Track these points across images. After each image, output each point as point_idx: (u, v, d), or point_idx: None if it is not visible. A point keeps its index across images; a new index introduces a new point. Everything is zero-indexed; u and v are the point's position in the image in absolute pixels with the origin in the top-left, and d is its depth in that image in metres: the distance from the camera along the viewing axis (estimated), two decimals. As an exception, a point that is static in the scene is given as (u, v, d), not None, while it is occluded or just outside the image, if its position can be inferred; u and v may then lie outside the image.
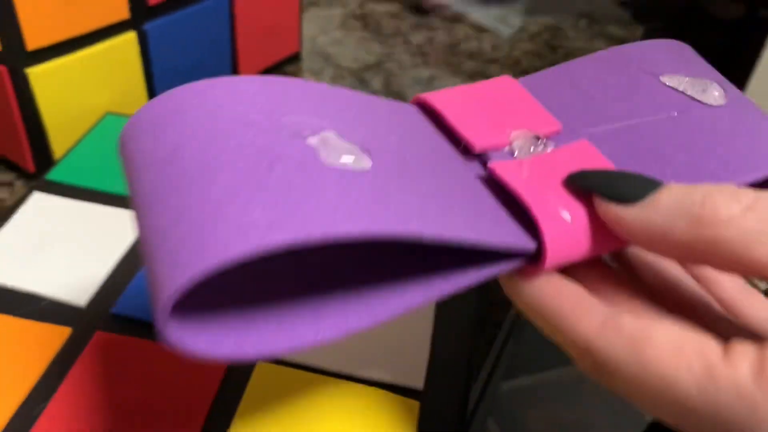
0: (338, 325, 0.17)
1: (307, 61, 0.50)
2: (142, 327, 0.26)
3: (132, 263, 0.29)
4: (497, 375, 0.35)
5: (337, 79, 0.48)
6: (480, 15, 0.57)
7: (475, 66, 0.51)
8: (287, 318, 0.17)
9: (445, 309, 0.28)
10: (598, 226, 0.18)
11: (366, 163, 0.17)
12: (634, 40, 0.27)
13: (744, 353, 0.15)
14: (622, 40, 0.57)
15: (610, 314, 0.17)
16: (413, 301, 0.17)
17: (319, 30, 0.54)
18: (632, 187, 0.18)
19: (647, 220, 0.17)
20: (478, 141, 0.20)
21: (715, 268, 0.17)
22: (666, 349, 0.16)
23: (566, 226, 0.18)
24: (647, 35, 0.56)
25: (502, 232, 0.18)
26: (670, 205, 0.17)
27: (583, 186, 0.18)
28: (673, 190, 0.17)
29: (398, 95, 0.47)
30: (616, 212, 0.17)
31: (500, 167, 0.19)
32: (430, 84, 0.49)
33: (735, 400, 0.15)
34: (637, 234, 0.17)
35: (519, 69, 0.51)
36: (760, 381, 0.15)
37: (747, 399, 0.15)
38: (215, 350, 0.15)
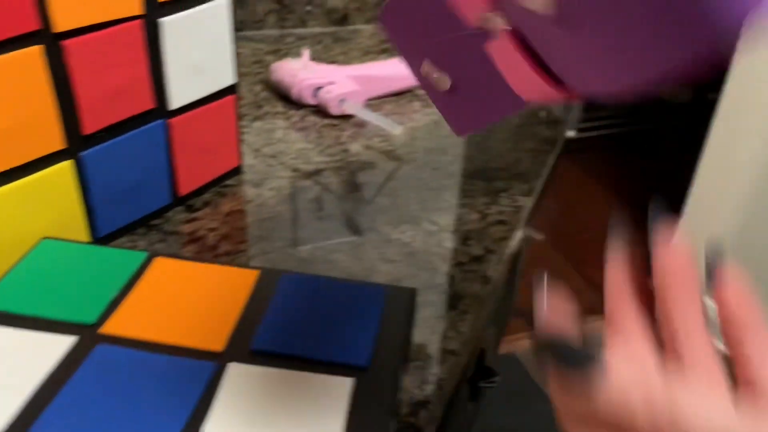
0: None
1: (249, 174, 0.53)
2: (54, 453, 0.27)
3: (55, 386, 0.30)
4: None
5: (281, 189, 0.51)
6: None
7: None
8: None
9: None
10: None
11: None
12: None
13: None
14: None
15: None
16: None
17: (263, 142, 0.57)
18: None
19: None
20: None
21: None
22: None
23: None
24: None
25: None
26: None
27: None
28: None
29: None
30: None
31: None
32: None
33: None
34: None
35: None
36: None
37: None
38: None
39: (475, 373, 0.54)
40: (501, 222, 0.49)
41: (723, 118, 1.27)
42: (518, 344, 1.53)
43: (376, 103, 0.65)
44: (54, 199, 0.40)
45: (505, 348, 1.47)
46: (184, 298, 0.35)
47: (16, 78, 0.35)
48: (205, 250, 0.45)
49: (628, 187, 2.02)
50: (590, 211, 1.94)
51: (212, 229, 0.47)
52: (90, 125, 0.40)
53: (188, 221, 0.47)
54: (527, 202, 0.52)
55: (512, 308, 0.77)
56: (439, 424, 0.36)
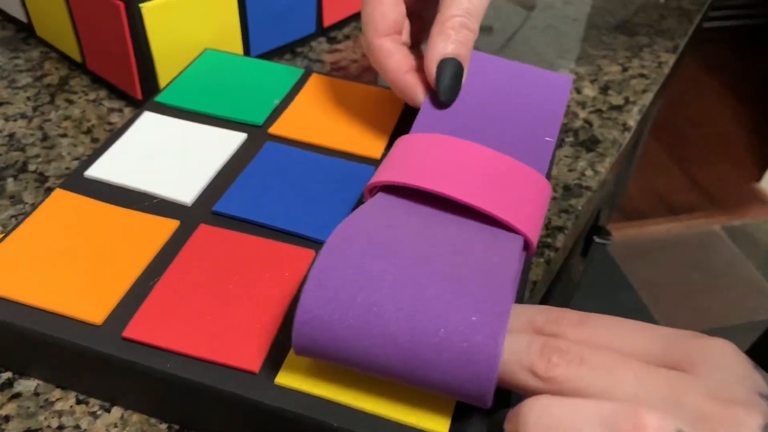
0: None
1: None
2: (239, 224, 0.30)
3: (231, 172, 0.33)
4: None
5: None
6: None
7: (547, 21, 0.53)
8: None
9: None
10: None
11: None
12: None
13: None
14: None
15: None
16: None
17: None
18: None
19: None
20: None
21: None
22: None
23: None
24: None
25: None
26: None
27: None
28: None
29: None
30: None
31: None
32: (502, 36, 0.50)
33: None
34: None
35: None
36: None
37: None
38: None
39: (591, 228, 0.55)
40: (642, 75, 0.48)
41: None
42: (619, 232, 1.52)
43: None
44: (217, 12, 0.42)
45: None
46: (342, 111, 0.37)
47: None
48: (348, 79, 0.46)
49: (747, 85, 1.89)
50: (701, 107, 1.84)
51: (354, 61, 0.48)
52: (252, -59, 0.41)
53: (331, 52, 0.49)
54: (670, 60, 0.50)
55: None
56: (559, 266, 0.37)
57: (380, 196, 0.28)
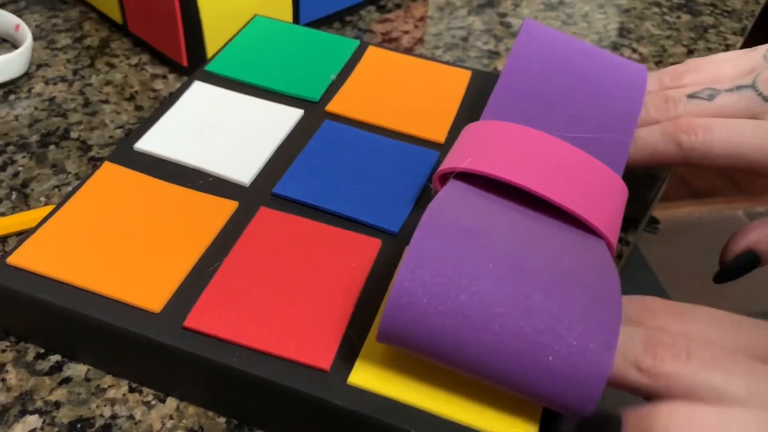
0: None
1: (436, -18, 0.50)
2: (299, 207, 0.28)
3: (289, 151, 0.31)
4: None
5: (467, 0, 0.48)
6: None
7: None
8: None
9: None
10: None
11: None
12: None
13: None
14: None
15: None
16: None
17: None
18: None
19: None
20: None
21: None
22: None
23: None
24: None
25: None
26: None
27: None
28: None
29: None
30: None
31: None
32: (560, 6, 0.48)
33: None
34: None
35: None
36: None
37: None
38: None
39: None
40: (709, 59, 0.45)
41: None
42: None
43: None
44: (268, -23, 0.39)
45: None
46: (401, 89, 0.35)
47: None
48: (401, 51, 0.44)
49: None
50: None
51: (405, 32, 0.45)
52: None
53: (381, 21, 0.46)
54: (738, 43, 0.47)
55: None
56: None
57: (455, 184, 0.26)
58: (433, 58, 0.37)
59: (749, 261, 0.27)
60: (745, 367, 0.19)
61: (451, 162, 0.26)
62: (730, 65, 0.29)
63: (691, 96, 0.28)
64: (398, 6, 0.48)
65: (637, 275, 1.49)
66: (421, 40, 0.45)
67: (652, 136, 0.28)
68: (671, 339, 0.20)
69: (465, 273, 0.20)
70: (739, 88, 0.27)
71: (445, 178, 0.27)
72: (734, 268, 0.27)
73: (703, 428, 0.17)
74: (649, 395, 0.20)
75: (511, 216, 0.24)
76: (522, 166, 0.25)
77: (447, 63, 0.37)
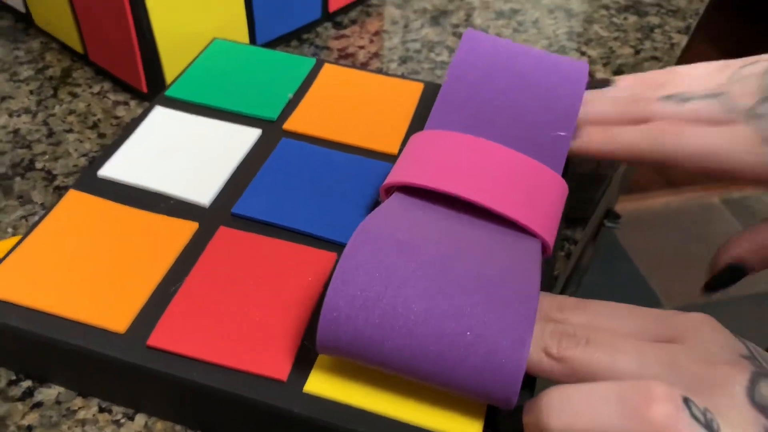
0: None
1: (391, -4, 0.52)
2: (259, 225, 0.29)
3: (248, 170, 0.32)
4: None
5: (425, 12, 0.50)
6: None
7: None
8: None
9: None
10: None
11: None
12: None
13: None
14: None
15: None
16: None
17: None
18: None
19: None
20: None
21: None
22: None
23: None
24: None
25: None
26: None
27: None
28: None
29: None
30: None
31: None
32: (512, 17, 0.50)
33: None
34: None
35: (601, 6, 0.52)
36: None
37: None
38: None
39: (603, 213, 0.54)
40: (655, 58, 0.47)
41: None
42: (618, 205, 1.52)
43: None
44: (222, 3, 0.41)
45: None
46: (356, 104, 0.36)
47: None
48: (357, 67, 0.45)
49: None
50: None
51: (361, 47, 0.47)
52: (258, -74, 0.40)
53: (337, 38, 0.48)
54: (682, 41, 0.49)
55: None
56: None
57: (398, 196, 0.27)
58: (387, 73, 0.38)
59: (736, 273, 0.29)
60: (634, 347, 0.22)
61: (391, 176, 0.28)
62: (705, 74, 0.30)
63: (664, 98, 0.29)
64: (353, 22, 0.49)
65: (618, 266, 1.52)
66: (376, 55, 0.46)
67: (631, 136, 0.29)
68: (574, 329, 0.23)
69: (390, 284, 0.22)
70: (712, 95, 0.28)
71: (389, 190, 0.28)
72: (721, 280, 0.29)
73: (572, 402, 0.20)
74: (560, 380, 0.22)
75: (447, 224, 0.26)
76: (457, 174, 0.27)
77: (400, 76, 0.38)
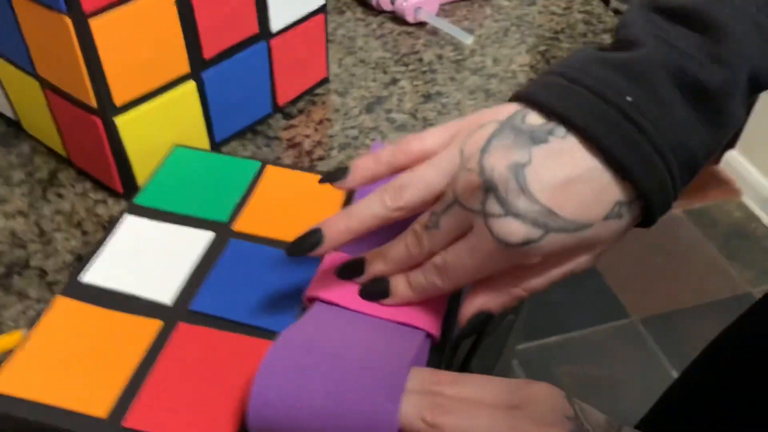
0: None
1: (334, 83, 0.59)
2: (214, 319, 0.37)
3: (204, 270, 0.39)
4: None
5: (363, 99, 0.58)
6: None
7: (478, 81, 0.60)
8: None
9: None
10: None
11: None
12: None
13: None
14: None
15: None
16: None
17: (345, 51, 0.63)
18: None
19: None
20: None
21: None
22: None
23: None
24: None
25: None
26: None
27: None
28: None
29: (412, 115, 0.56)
30: None
31: None
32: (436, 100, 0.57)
33: None
34: None
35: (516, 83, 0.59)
36: None
37: None
38: None
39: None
40: (559, 134, 0.55)
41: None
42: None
43: (449, 8, 0.69)
44: (182, 113, 0.48)
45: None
46: (295, 203, 0.44)
47: (153, 18, 0.43)
48: (303, 155, 0.53)
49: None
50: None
51: (307, 136, 0.54)
52: (209, 50, 0.47)
53: (286, 128, 0.55)
54: (585, 115, 0.57)
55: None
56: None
57: (317, 305, 0.36)
58: (329, 158, 0.46)
59: (484, 320, 0.35)
60: (488, 414, 0.30)
61: (308, 289, 0.36)
62: (434, 171, 0.34)
63: (426, 227, 0.34)
64: (301, 111, 0.57)
65: (586, 279, 1.59)
66: (320, 142, 0.54)
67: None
68: (442, 401, 0.30)
69: (298, 378, 0.30)
70: (449, 207, 0.33)
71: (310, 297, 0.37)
72: (472, 329, 0.35)
73: None
74: None
75: (351, 323, 0.34)
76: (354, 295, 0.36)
77: (339, 164, 0.46)
